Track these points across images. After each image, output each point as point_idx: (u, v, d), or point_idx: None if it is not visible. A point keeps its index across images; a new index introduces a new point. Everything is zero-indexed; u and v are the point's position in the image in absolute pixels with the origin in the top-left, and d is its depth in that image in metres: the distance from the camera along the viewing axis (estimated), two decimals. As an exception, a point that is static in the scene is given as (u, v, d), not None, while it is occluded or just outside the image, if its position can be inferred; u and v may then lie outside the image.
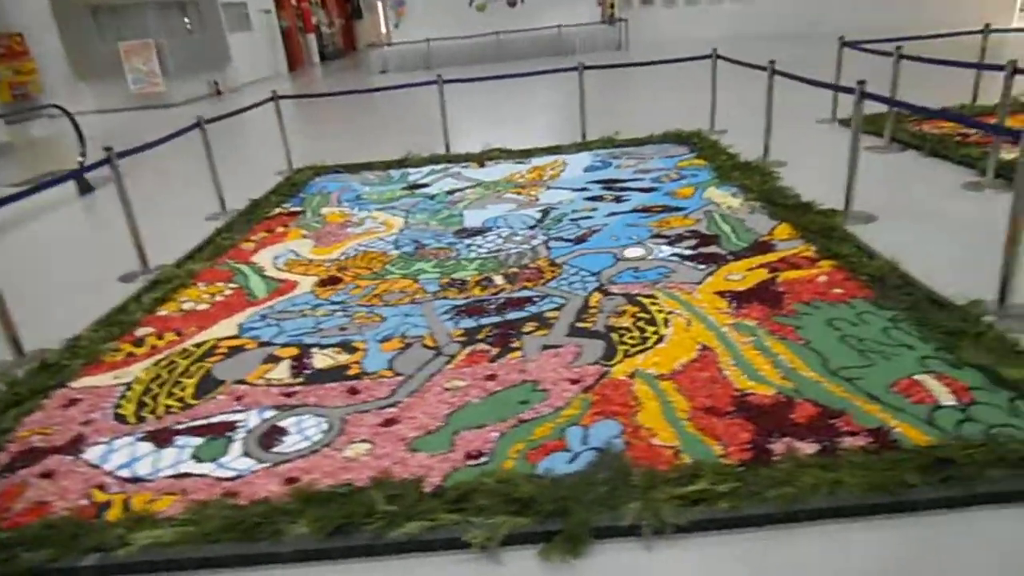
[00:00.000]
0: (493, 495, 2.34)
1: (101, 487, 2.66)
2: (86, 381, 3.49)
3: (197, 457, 2.79)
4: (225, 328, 3.98)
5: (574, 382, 3.08)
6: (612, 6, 20.18)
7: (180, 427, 3.01)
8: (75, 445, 2.94)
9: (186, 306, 4.34)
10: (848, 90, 4.96)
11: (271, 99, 7.89)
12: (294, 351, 3.62)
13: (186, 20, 17.80)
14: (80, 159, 7.96)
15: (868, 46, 7.62)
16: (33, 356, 3.75)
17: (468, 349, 3.47)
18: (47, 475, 2.76)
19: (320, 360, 3.51)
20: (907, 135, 6.68)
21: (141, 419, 3.11)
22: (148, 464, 2.77)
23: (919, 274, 3.70)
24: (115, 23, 16.23)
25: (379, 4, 25.88)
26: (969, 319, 3.18)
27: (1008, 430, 2.45)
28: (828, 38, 9.43)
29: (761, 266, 4.15)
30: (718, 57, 7.97)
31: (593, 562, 2.12)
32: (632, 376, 3.07)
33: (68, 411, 3.23)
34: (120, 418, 3.13)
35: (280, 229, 5.76)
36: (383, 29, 25.72)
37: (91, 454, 2.87)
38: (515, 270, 4.45)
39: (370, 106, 13.10)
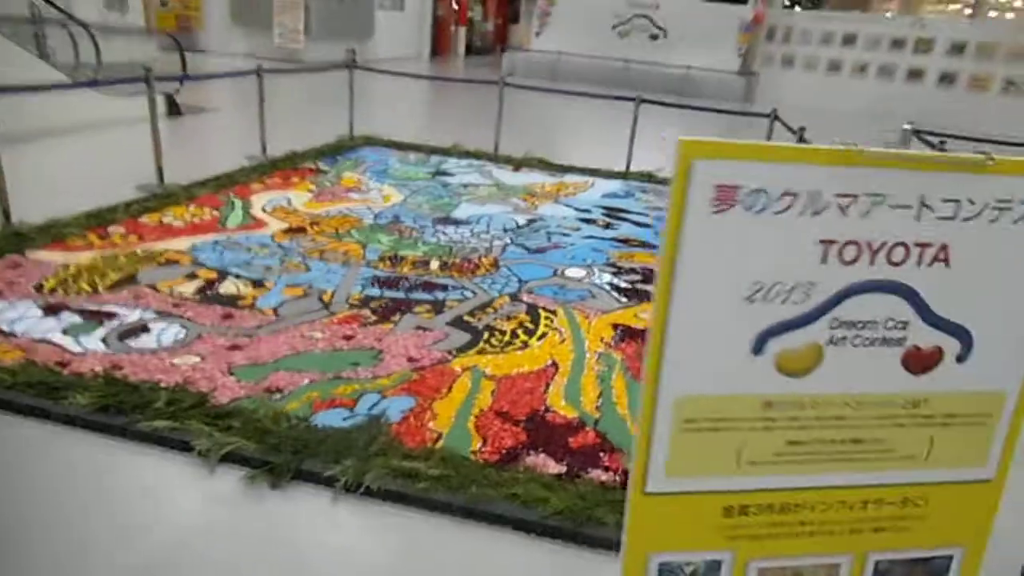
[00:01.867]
0: (244, 419, 2.57)
1: (-21, 332, 3.12)
2: (40, 254, 4.03)
3: (65, 331, 3.20)
4: (179, 244, 4.44)
5: (411, 360, 3.24)
6: (750, 58, 19.77)
7: (73, 307, 3.45)
8: (-12, 297, 3.45)
9: (166, 220, 4.85)
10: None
11: (345, 66, 8.49)
12: (212, 275, 4.00)
13: (342, -10, 19.16)
14: (177, 88, 8.90)
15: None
16: (16, 226, 4.36)
17: (352, 311, 3.71)
18: (-50, 312, 3.26)
19: (226, 287, 3.86)
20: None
21: (52, 292, 3.57)
22: (25, 325, 3.21)
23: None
24: (276, -21, 17.76)
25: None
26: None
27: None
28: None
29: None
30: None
31: (283, 496, 2.30)
32: (464, 369, 3.19)
33: (7, 272, 3.75)
34: (39, 288, 3.62)
35: (295, 179, 6.25)
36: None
37: (-7, 307, 3.36)
38: (455, 260, 4.64)
39: (461, 97, 13.63)
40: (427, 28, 25.00)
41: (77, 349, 3.05)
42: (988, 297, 1.03)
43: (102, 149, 6.88)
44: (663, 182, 7.55)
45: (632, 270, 4.78)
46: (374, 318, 3.65)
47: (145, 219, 4.79)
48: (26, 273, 3.76)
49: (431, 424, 2.75)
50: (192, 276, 3.96)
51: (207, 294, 3.75)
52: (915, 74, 17.53)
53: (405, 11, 23.18)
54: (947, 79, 17.14)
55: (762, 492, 1.08)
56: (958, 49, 16.95)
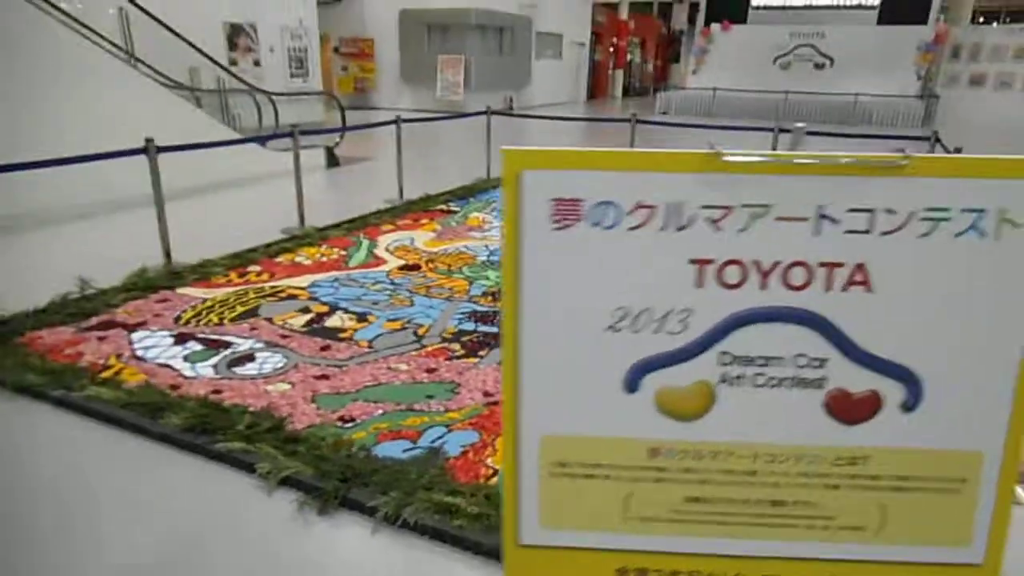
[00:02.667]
0: (310, 445, 2.69)
1: (119, 355, 3.56)
2: (187, 290, 4.55)
3: (186, 357, 3.57)
4: (302, 281, 4.81)
5: (486, 394, 3.23)
6: (930, 80, 17.95)
7: (200, 335, 3.84)
8: (134, 327, 3.93)
9: (298, 259, 5.29)
10: None
11: (484, 113, 8.85)
12: (324, 309, 4.28)
13: (500, 43, 20.16)
14: (337, 141, 9.78)
15: None
16: (173, 265, 4.97)
17: (441, 345, 3.78)
18: (102, 339, 3.76)
19: (332, 320, 4.11)
20: None
21: (186, 323, 4.01)
22: (156, 351, 3.62)
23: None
24: (441, 39, 19.08)
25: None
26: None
27: None
28: None
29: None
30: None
31: (329, 522, 2.36)
32: (536, 406, 3.12)
33: (156, 305, 4.27)
34: (177, 319, 4.08)
35: (424, 220, 6.56)
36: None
37: (136, 335, 3.83)
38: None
39: (607, 135, 13.60)
40: (584, 73, 25.49)
41: (190, 374, 3.38)
42: (935, 331, 0.81)
43: (260, 198, 7.69)
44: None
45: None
46: (462, 352, 3.69)
47: (280, 259, 5.26)
48: (171, 306, 4.26)
49: (490, 460, 2.70)
50: (306, 310, 4.26)
51: (314, 327, 4.01)
52: None
53: (563, 59, 23.85)
54: None
55: (662, 555, 0.92)
56: None
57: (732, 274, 0.83)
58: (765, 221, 0.81)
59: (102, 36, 7.99)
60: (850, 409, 0.84)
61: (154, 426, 2.86)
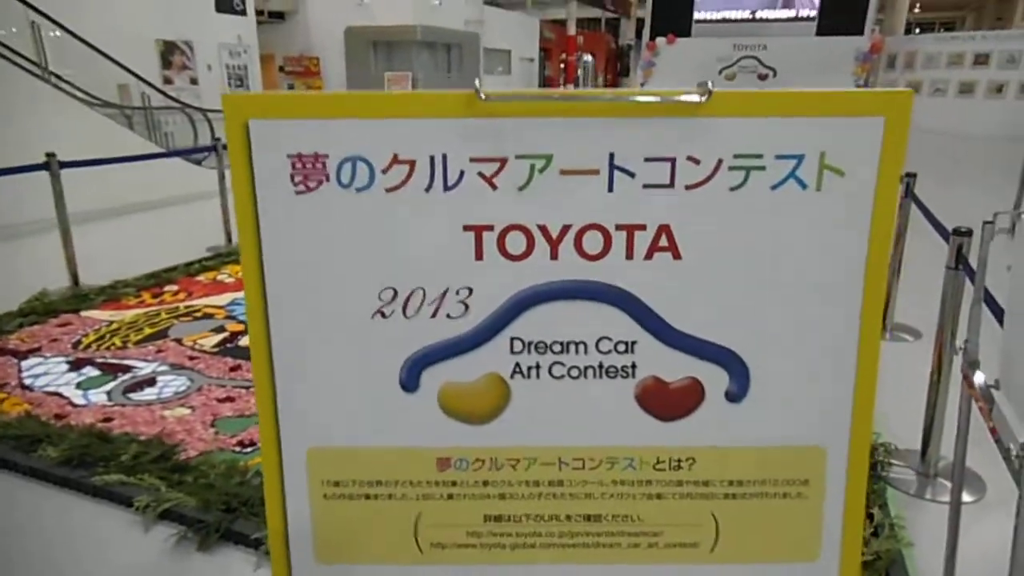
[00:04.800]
0: (198, 474, 2.47)
1: (2, 386, 3.28)
2: (93, 313, 4.27)
3: (79, 384, 3.30)
4: (221, 299, 4.57)
5: (400, 412, 3.05)
6: (866, 83, 18.47)
7: (98, 360, 3.57)
8: (27, 354, 3.65)
9: (220, 277, 5.04)
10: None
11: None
12: (240, 328, 4.05)
13: (448, 60, 20.12)
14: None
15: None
16: (81, 288, 4.67)
17: (360, 361, 3.59)
18: (-12, 368, 3.48)
19: (246, 340, 3.88)
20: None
21: (86, 348, 3.74)
22: (45, 379, 3.34)
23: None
24: (387, 56, 18.95)
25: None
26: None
27: None
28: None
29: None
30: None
31: (209, 557, 2.15)
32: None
33: (54, 330, 3.98)
34: (76, 344, 3.80)
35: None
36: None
37: (27, 363, 3.54)
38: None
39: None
40: (534, 88, 25.67)
41: (80, 402, 3.12)
42: (757, 304, 0.68)
43: (188, 217, 7.38)
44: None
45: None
46: (380, 369, 3.51)
47: (201, 277, 5.00)
48: (72, 330, 3.98)
49: (395, 482, 2.53)
50: (220, 330, 4.03)
51: (226, 347, 3.78)
52: (1067, 90, 15.58)
53: (512, 75, 23.96)
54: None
55: (464, 586, 0.77)
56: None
57: (515, 243, 0.69)
58: (548, 176, 0.67)
59: (7, 47, 7.59)
60: (667, 402, 0.71)
61: (25, 460, 2.60)
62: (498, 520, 0.74)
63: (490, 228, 0.68)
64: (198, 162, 8.71)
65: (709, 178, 0.67)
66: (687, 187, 0.67)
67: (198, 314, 4.27)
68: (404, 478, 0.73)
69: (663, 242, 0.68)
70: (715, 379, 0.70)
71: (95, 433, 2.77)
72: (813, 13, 20.67)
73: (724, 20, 21.85)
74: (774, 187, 0.67)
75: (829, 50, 19.42)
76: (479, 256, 0.68)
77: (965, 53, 17.21)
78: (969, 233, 2.40)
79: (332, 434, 0.72)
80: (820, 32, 20.29)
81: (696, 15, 22.14)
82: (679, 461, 0.72)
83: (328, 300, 0.69)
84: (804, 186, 0.65)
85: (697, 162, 0.67)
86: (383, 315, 0.69)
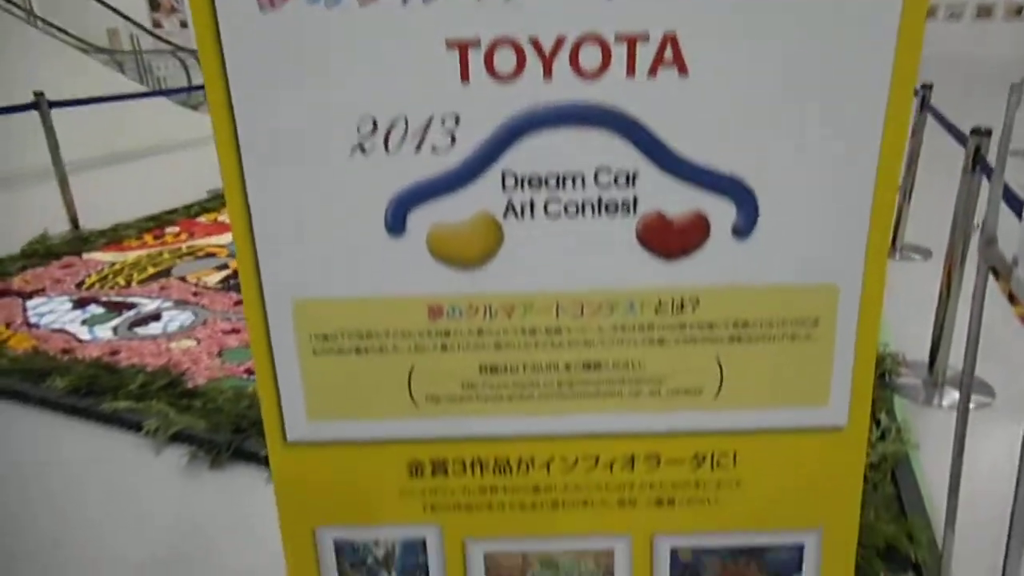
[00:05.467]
0: (207, 400, 2.48)
1: (9, 324, 3.28)
2: (95, 255, 4.25)
3: (84, 321, 3.30)
4: (223, 238, 4.53)
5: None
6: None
7: (102, 299, 3.57)
8: (31, 294, 3.64)
9: (221, 218, 5.00)
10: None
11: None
12: (242, 265, 4.04)
13: None
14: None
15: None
16: (82, 231, 4.64)
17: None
18: (-6, 308, 3.48)
19: (250, 275, 3.87)
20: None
21: (89, 288, 3.73)
22: (51, 317, 3.34)
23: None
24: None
25: None
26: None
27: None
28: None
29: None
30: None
31: (223, 474, 2.17)
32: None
33: (57, 271, 3.97)
34: (80, 284, 3.79)
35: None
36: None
37: (32, 303, 3.54)
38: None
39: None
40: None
41: (86, 337, 3.12)
42: (771, 126, 0.63)
43: (186, 161, 7.29)
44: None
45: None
46: (385, 299, 3.49)
47: (202, 219, 4.96)
48: (75, 272, 3.97)
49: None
50: (223, 267, 4.01)
51: (230, 282, 3.77)
52: None
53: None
54: None
55: (461, 442, 0.75)
56: None
57: (505, 60, 0.63)
58: (541, -26, 0.61)
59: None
60: (670, 238, 0.66)
61: (35, 391, 2.61)
62: (494, 371, 0.71)
63: (476, 43, 0.62)
64: (194, 107, 8.56)
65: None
66: (689, -13, 0.61)
67: (200, 254, 4.24)
68: (395, 329, 0.70)
69: (668, 55, 0.62)
70: (722, 212, 0.66)
71: (102, 365, 2.78)
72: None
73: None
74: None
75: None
76: (465, 77, 0.63)
77: (981, -26, 16.60)
78: (988, 133, 2.31)
79: (318, 284, 0.68)
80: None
81: None
82: (682, 303, 0.68)
83: (303, 134, 0.64)
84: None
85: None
86: (363, 150, 0.64)
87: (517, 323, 0.69)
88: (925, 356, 2.63)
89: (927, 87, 3.78)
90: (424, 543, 0.78)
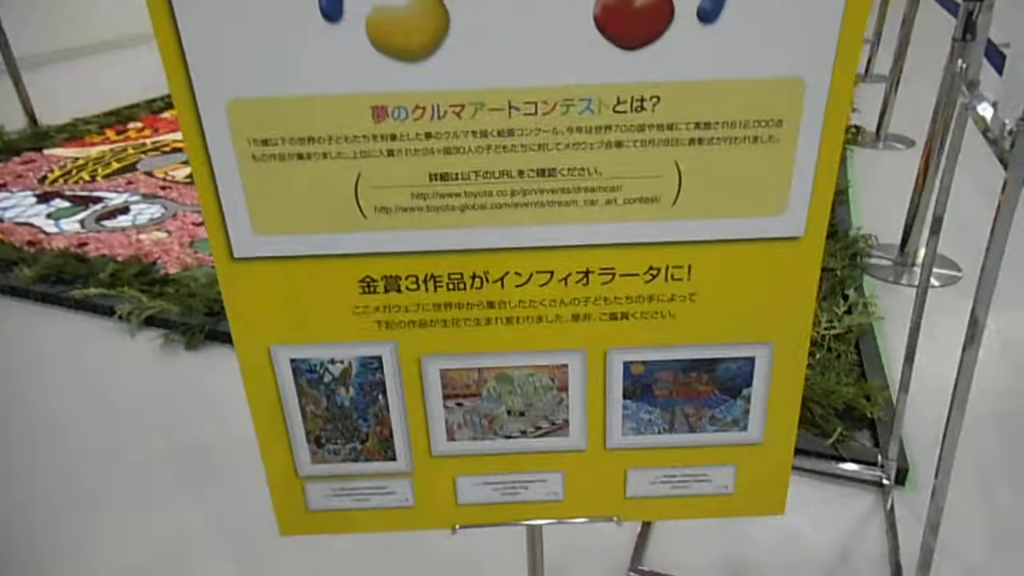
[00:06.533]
0: (180, 286, 2.46)
1: (-29, 218, 3.20)
2: (56, 151, 4.10)
3: (49, 215, 3.22)
4: (190, 134, 4.39)
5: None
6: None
7: (67, 193, 3.46)
8: (-9, 189, 3.54)
9: (187, 114, 4.82)
10: None
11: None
12: (210, 159, 3.92)
13: None
14: None
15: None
16: (40, 127, 4.46)
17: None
18: (-47, 204, 3.37)
19: (219, 169, 3.76)
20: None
21: (53, 183, 3.62)
22: (15, 211, 3.25)
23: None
24: None
25: None
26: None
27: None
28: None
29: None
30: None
31: (198, 353, 2.18)
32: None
33: (18, 167, 3.84)
34: (42, 179, 3.67)
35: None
36: None
37: (-7, 197, 3.44)
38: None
39: None
40: None
41: (53, 230, 3.05)
42: None
43: (148, 58, 6.98)
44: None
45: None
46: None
47: (166, 115, 4.78)
48: (37, 167, 3.83)
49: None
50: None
51: (199, 177, 3.67)
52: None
53: None
54: None
55: (411, 256, 0.73)
56: None
57: None
58: None
59: None
60: (631, 21, 0.63)
61: (2, 279, 2.57)
62: (444, 179, 0.69)
63: None
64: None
65: None
66: None
67: (167, 148, 4.11)
68: (338, 132, 0.67)
69: None
70: (685, -7, 0.62)
71: (71, 255, 2.73)
72: None
73: None
74: None
75: None
76: None
77: None
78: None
79: (251, 82, 0.64)
80: None
81: None
82: (642, 100, 0.66)
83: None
84: None
85: None
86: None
87: (467, 125, 0.66)
88: (899, 240, 2.65)
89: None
90: (379, 360, 0.78)
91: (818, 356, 1.94)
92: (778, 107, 0.66)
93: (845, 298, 2.24)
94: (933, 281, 2.53)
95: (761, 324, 0.77)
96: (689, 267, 0.73)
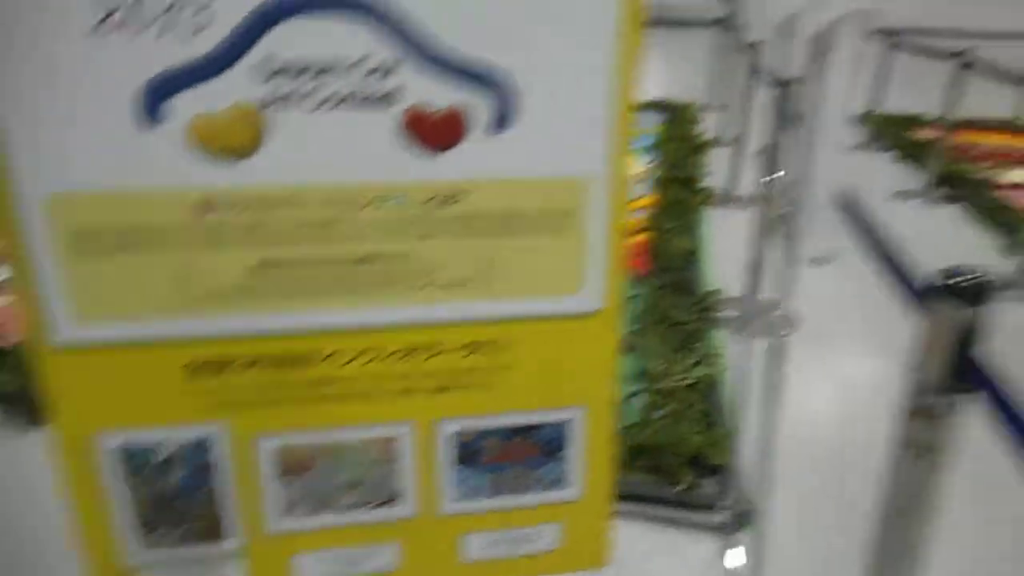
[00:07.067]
0: (20, 357, 2.30)
1: None
2: None
3: None
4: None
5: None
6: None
7: None
8: None
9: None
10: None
11: None
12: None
13: None
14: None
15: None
16: None
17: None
18: None
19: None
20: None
21: None
22: None
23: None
24: None
25: None
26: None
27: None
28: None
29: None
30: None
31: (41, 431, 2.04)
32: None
33: None
34: None
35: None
36: None
37: None
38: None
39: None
40: None
41: None
42: (528, 22, 0.68)
43: None
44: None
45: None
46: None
47: None
48: None
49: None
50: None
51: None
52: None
53: None
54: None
55: (239, 339, 0.76)
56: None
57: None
58: None
59: None
60: (433, 130, 0.70)
61: None
62: (268, 266, 0.72)
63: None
64: None
65: None
66: None
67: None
68: (161, 225, 0.69)
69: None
70: (482, 103, 0.70)
71: None
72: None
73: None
74: None
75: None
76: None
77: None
78: (790, 83, 2.54)
79: (75, 177, 0.66)
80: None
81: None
82: (450, 196, 0.73)
83: (35, 9, 0.61)
84: None
85: None
86: (106, 29, 0.62)
87: (288, 217, 0.71)
88: (744, 293, 2.90)
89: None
90: (210, 441, 0.79)
91: (670, 407, 2.09)
92: (567, 201, 0.76)
93: (695, 351, 2.42)
94: (774, 330, 2.79)
95: (572, 390, 0.85)
96: (504, 342, 0.81)
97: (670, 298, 2.90)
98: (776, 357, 1.87)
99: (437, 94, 0.69)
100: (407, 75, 0.68)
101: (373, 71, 0.68)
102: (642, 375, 2.30)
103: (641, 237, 3.63)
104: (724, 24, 5.98)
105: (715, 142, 5.36)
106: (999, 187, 4.52)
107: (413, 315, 0.77)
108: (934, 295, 0.86)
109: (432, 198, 0.73)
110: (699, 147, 5.21)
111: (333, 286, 0.75)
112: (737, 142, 4.38)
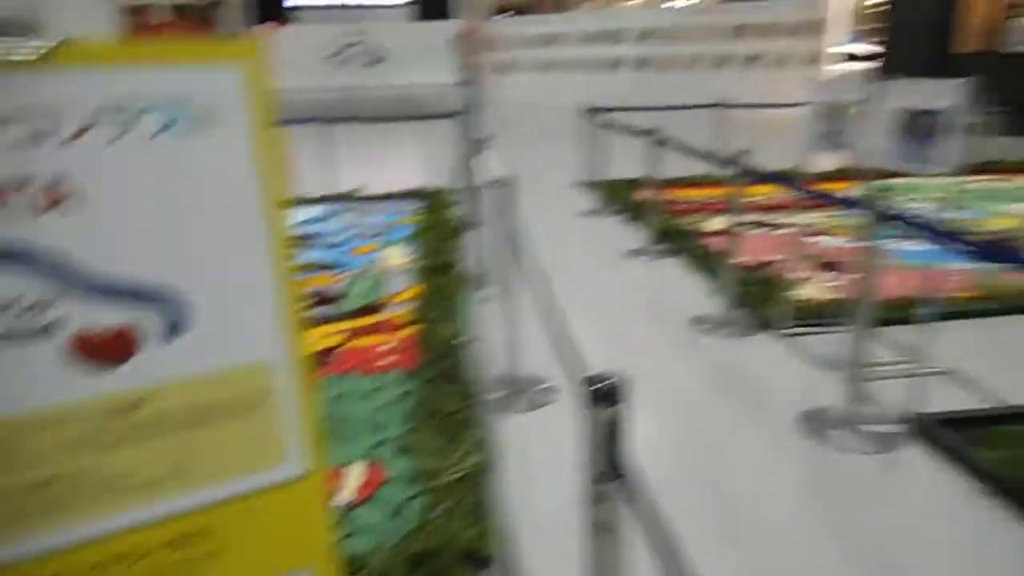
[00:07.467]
0: None
1: None
2: None
3: None
4: None
5: None
6: (472, 69, 20.46)
7: None
8: None
9: None
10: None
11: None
12: None
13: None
14: None
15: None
16: None
17: None
18: None
19: None
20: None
21: None
22: None
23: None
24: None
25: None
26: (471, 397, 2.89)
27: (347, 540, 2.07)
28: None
29: (345, 330, 3.81)
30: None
31: None
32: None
33: None
34: None
35: None
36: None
37: None
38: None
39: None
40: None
41: None
42: (178, 242, 0.75)
43: None
44: (368, 199, 7.30)
45: (304, 296, 4.39)
46: None
47: None
48: None
49: None
50: None
51: None
52: (615, 64, 18.88)
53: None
54: (642, 63, 18.53)
55: None
56: (647, 36, 18.47)
57: None
58: None
59: None
60: (102, 351, 0.73)
61: None
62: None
63: None
64: None
65: (83, 131, 0.70)
66: (64, 141, 0.69)
67: None
68: None
69: (66, 191, 0.69)
70: (152, 316, 0.74)
71: None
72: (405, -1, 22.11)
73: (319, 6, 22.29)
74: (152, 137, 0.73)
75: (429, 34, 20.95)
76: None
77: (540, 34, 19.94)
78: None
79: None
80: (418, 16, 21.82)
81: (286, 2, 22.09)
82: (134, 404, 0.75)
83: None
84: (181, 133, 0.73)
85: (60, 115, 0.70)
86: None
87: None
88: (506, 371, 3.11)
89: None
90: None
91: (444, 505, 2.16)
92: (252, 385, 0.82)
93: (466, 439, 2.54)
94: (535, 401, 3.02)
95: (293, 555, 0.89)
96: (211, 528, 0.83)
97: (440, 388, 3.02)
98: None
99: (103, 316, 0.73)
100: (69, 305, 0.71)
101: (30, 308, 0.70)
102: (418, 476, 2.36)
103: (408, 331, 3.74)
104: (459, 116, 6.47)
105: (465, 225, 5.71)
106: (704, 235, 5.36)
107: (114, 523, 0.77)
108: (585, 398, 1.04)
109: (113, 409, 0.75)
110: (453, 232, 5.53)
111: (23, 513, 0.73)
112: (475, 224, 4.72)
